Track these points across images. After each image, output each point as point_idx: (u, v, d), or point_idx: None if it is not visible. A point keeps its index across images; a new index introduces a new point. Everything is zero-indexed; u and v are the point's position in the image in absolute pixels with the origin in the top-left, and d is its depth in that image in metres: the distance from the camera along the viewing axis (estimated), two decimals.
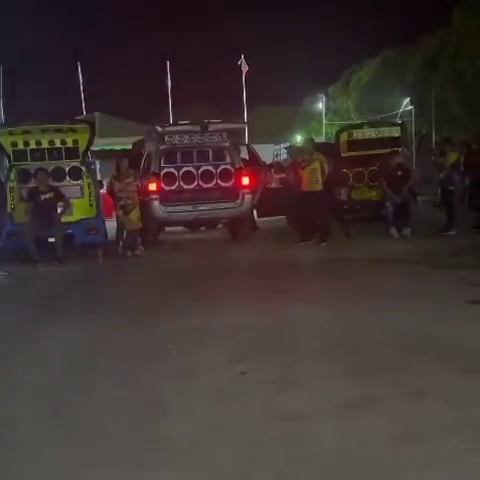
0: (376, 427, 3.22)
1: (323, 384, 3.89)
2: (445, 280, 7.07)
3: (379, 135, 13.15)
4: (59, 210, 10.41)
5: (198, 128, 12.09)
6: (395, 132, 13.38)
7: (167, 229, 13.14)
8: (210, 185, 12.00)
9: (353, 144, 13.04)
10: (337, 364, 4.21)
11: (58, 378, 4.28)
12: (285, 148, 22.80)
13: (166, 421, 3.47)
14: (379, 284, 7.07)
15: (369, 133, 13.28)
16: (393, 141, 12.95)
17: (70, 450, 3.16)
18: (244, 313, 5.91)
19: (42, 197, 10.33)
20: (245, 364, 4.30)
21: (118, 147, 19.19)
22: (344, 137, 13.25)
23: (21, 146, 10.88)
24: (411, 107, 34.54)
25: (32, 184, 10.63)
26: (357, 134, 13.27)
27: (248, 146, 16.04)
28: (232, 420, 3.44)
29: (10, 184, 10.66)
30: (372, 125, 15.32)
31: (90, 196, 10.94)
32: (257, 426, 3.34)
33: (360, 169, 12.75)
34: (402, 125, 14.72)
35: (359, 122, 24.55)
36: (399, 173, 11.43)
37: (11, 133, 10.88)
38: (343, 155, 12.95)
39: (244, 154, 14.48)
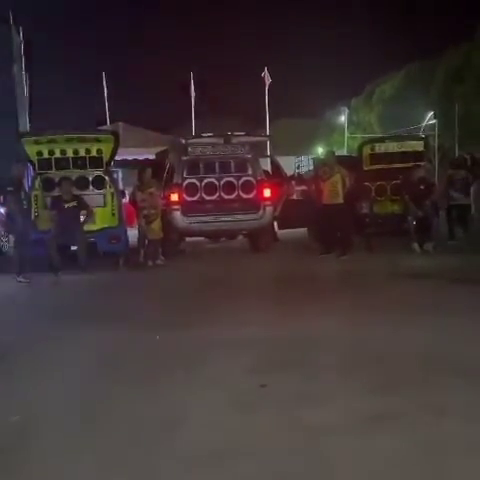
0: (396, 443, 3.19)
1: (344, 398, 3.87)
2: (467, 295, 7.01)
3: (402, 149, 13.12)
4: (82, 219, 10.53)
5: (221, 141, 12.17)
6: (418, 146, 13.34)
7: (188, 239, 13.19)
8: (232, 196, 12.05)
9: (376, 157, 13.02)
10: (358, 379, 4.19)
11: (75, 388, 4.30)
12: (311, 159, 22.83)
13: (184, 431, 3.48)
14: (400, 298, 7.03)
15: (392, 147, 13.24)
16: (416, 155, 12.90)
17: (86, 458, 3.18)
18: (264, 325, 5.90)
19: (66, 206, 10.45)
20: (265, 376, 4.29)
21: (141, 157, 19.40)
22: (367, 150, 13.24)
23: (46, 155, 11.03)
24: (435, 121, 34.36)
25: (56, 192, 10.76)
26: (380, 147, 13.25)
27: (271, 158, 16.04)
28: (251, 432, 3.44)
29: (34, 192, 10.80)
30: (395, 139, 15.29)
31: (113, 205, 11.05)
32: (276, 439, 3.33)
33: (382, 182, 12.72)
34: (425, 139, 14.66)
35: (382, 136, 24.49)
36: (422, 187, 11.36)
37: (36, 142, 11.03)
38: (365, 168, 12.94)
39: (267, 166, 14.51)
